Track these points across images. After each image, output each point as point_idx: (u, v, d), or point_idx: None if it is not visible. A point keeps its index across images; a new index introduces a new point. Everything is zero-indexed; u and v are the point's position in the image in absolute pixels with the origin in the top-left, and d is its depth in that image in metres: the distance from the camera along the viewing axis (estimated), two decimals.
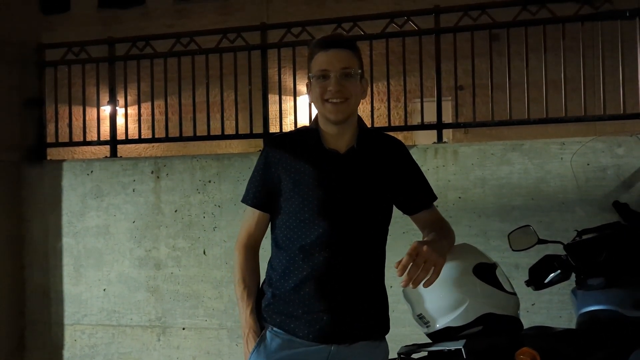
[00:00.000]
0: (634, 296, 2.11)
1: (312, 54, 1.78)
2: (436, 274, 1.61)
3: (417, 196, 1.88)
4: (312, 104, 1.82)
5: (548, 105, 3.72)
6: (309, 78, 1.79)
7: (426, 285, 1.61)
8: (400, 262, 1.58)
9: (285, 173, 1.78)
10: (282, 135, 1.90)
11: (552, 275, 2.34)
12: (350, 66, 1.73)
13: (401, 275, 1.59)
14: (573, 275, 2.33)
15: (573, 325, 2.25)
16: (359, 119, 1.85)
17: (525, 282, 2.43)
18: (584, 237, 2.48)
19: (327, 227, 1.72)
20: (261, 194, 1.82)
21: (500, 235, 3.30)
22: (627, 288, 2.13)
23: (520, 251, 2.51)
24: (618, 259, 2.20)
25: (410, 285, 1.59)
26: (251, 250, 1.87)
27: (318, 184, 1.74)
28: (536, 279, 2.40)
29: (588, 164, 3.34)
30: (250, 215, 1.86)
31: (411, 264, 1.58)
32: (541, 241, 2.41)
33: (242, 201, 1.87)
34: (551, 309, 3.33)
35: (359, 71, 1.76)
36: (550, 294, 3.14)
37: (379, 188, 1.79)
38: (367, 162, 1.79)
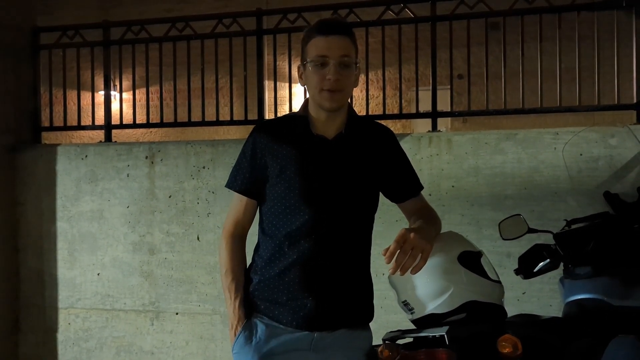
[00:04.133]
0: (620, 285, 2.13)
1: (309, 38, 1.74)
2: (423, 260, 1.62)
3: (404, 185, 1.89)
4: (307, 89, 1.79)
5: (545, 95, 3.71)
6: (302, 62, 1.77)
7: (414, 271, 1.62)
8: (387, 249, 1.59)
9: (272, 159, 1.77)
10: (269, 121, 1.90)
11: (541, 264, 2.36)
12: (348, 54, 1.72)
13: (389, 262, 1.60)
14: (562, 264, 2.35)
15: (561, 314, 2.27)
16: (349, 105, 1.85)
17: (514, 270, 2.45)
18: (573, 226, 2.50)
19: (313, 214, 1.72)
20: (249, 181, 1.82)
21: (493, 224, 3.30)
22: (614, 277, 2.15)
23: (511, 240, 2.53)
24: (605, 248, 2.22)
25: (399, 272, 1.60)
26: (238, 239, 1.86)
27: (304, 170, 1.74)
28: (525, 268, 2.42)
29: (581, 154, 3.34)
30: (237, 203, 1.86)
31: (399, 251, 1.59)
32: (531, 230, 2.43)
33: (228, 187, 1.86)
34: (542, 297, 3.35)
35: (356, 61, 1.75)
36: (541, 282, 3.16)
37: (365, 175, 1.79)
38: (355, 149, 1.78)
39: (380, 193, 1.87)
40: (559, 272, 2.44)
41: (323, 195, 1.72)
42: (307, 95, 1.84)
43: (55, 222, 4.30)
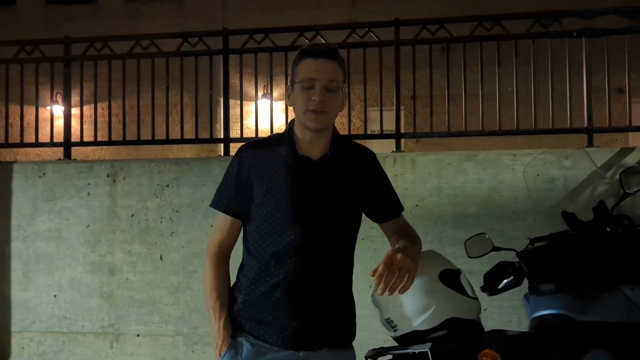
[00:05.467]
0: (581, 301, 2.24)
1: (299, 60, 1.78)
2: (411, 279, 1.66)
3: (386, 205, 1.93)
4: (293, 109, 1.82)
5: (502, 117, 3.88)
6: (291, 82, 1.80)
7: (402, 291, 1.65)
8: (376, 270, 1.62)
9: (257, 179, 1.79)
10: (254, 141, 1.91)
11: (505, 281, 2.44)
12: (335, 79, 1.75)
13: (378, 283, 1.62)
14: (525, 281, 2.44)
15: (523, 329, 2.36)
16: (334, 127, 1.89)
17: (480, 287, 2.53)
18: (536, 244, 2.60)
19: (299, 234, 1.74)
20: (234, 201, 1.82)
21: (455, 242, 3.42)
22: (576, 293, 2.25)
23: (476, 258, 2.61)
24: (567, 266, 2.32)
25: (387, 293, 1.63)
26: (222, 258, 1.86)
27: (290, 190, 1.76)
28: (491, 285, 2.50)
29: (538, 175, 3.50)
30: (221, 222, 1.86)
31: (386, 272, 1.62)
32: (495, 248, 2.52)
33: (213, 206, 1.86)
34: (503, 313, 3.46)
35: (343, 85, 1.79)
36: (501, 299, 3.27)
37: (349, 196, 1.82)
38: (339, 170, 1.82)
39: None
40: (519, 289, 2.53)
41: (308, 215, 1.75)
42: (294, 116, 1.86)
43: (9, 242, 4.14)
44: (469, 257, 2.64)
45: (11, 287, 4.14)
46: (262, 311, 1.76)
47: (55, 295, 4.08)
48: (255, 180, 1.79)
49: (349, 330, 1.85)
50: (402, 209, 1.96)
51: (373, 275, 1.61)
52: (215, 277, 1.83)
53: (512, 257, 2.53)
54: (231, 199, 1.82)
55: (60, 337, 4.08)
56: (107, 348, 4.02)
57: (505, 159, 3.58)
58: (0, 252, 4.14)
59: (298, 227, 1.74)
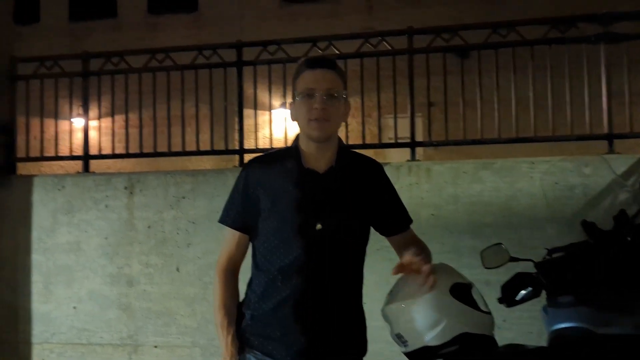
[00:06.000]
0: (602, 313, 2.18)
1: (299, 73, 1.79)
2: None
3: (394, 219, 1.91)
4: (297, 123, 1.82)
5: (519, 123, 3.82)
6: (293, 96, 1.81)
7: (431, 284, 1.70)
8: (398, 267, 1.70)
9: (264, 194, 1.78)
10: (261, 156, 1.91)
11: (523, 292, 2.39)
12: (335, 87, 1.76)
13: (396, 273, 1.70)
14: (544, 292, 2.39)
15: (543, 342, 2.30)
16: (339, 139, 1.88)
17: (497, 299, 2.48)
18: (554, 255, 2.55)
19: (306, 248, 1.73)
20: (241, 216, 1.82)
21: (472, 252, 3.35)
22: (596, 305, 2.20)
23: (492, 269, 2.57)
24: (587, 277, 2.27)
25: (392, 306, 1.70)
26: (231, 274, 1.86)
27: (296, 204, 1.75)
28: (508, 296, 2.45)
29: (556, 183, 3.44)
30: (230, 238, 1.86)
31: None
32: (513, 259, 2.47)
33: (221, 222, 1.86)
34: (522, 325, 3.39)
35: (343, 93, 1.79)
36: (520, 310, 3.18)
37: (357, 208, 1.81)
38: (346, 182, 1.80)
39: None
40: (538, 300, 2.48)
41: (315, 229, 1.74)
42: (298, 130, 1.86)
43: (30, 255, 4.20)
44: (485, 268, 2.59)
45: (32, 299, 4.19)
46: (270, 327, 1.75)
47: (74, 307, 4.13)
48: (261, 194, 1.78)
49: (360, 344, 1.83)
50: (410, 221, 1.93)
51: (397, 273, 1.67)
52: (223, 294, 1.83)
53: (530, 267, 2.49)
54: (238, 214, 1.82)
55: (80, 348, 4.12)
56: (125, 359, 4.05)
57: (523, 167, 3.52)
58: (21, 265, 4.20)
59: (304, 242, 1.73)
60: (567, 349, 2.06)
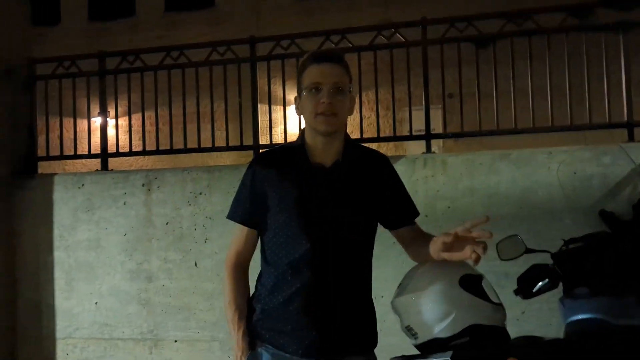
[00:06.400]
0: (620, 304, 2.14)
1: (304, 67, 1.79)
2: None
3: (400, 212, 1.90)
4: (303, 117, 1.82)
5: (536, 113, 3.76)
6: (298, 92, 1.81)
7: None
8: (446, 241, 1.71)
9: (271, 189, 1.79)
10: (267, 151, 1.92)
11: (540, 284, 2.37)
12: (341, 81, 1.76)
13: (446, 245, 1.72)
14: (561, 284, 2.36)
15: (562, 334, 2.27)
16: (346, 133, 1.88)
17: (514, 291, 2.46)
18: (571, 246, 2.51)
19: (314, 242, 1.74)
20: (249, 211, 1.84)
21: (489, 244, 3.31)
22: (613, 296, 2.16)
23: (509, 260, 2.54)
24: (604, 267, 2.23)
25: (401, 298, 1.68)
26: (241, 269, 1.88)
27: (303, 199, 1.76)
28: (524, 288, 2.42)
29: (575, 173, 3.38)
30: (238, 233, 1.87)
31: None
32: (529, 250, 2.44)
33: (229, 217, 1.88)
34: (541, 317, 3.35)
35: (349, 87, 1.79)
36: (539, 302, 3.15)
37: (364, 202, 1.81)
38: (352, 176, 1.80)
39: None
40: (557, 291, 2.45)
41: (323, 223, 1.74)
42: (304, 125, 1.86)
43: (52, 252, 4.28)
44: (501, 259, 2.56)
45: (55, 296, 4.28)
46: (281, 321, 1.76)
47: (96, 303, 4.19)
48: (269, 189, 1.79)
49: (370, 337, 1.83)
50: (416, 214, 1.92)
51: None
52: (233, 290, 1.85)
53: (547, 259, 2.45)
54: (246, 209, 1.84)
55: (102, 343, 4.19)
56: (146, 354, 4.11)
57: (540, 157, 3.47)
58: (43, 262, 4.29)
59: (313, 236, 1.74)
60: (584, 341, 2.03)
